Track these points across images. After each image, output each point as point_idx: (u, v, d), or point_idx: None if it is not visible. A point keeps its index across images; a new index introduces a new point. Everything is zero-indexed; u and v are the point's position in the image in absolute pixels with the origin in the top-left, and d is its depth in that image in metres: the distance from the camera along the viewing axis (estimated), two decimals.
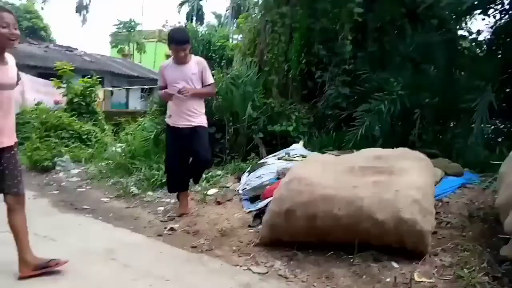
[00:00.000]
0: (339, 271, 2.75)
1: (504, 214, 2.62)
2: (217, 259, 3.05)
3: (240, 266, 2.93)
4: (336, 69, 6.08)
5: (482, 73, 4.76)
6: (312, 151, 5.16)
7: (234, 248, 3.25)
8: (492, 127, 5.85)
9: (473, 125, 4.45)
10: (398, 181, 2.91)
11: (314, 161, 3.54)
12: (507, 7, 5.31)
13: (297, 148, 5.28)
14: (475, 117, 4.41)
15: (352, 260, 2.83)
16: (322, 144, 5.69)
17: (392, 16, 6.03)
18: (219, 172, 5.34)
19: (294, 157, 4.86)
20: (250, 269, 2.86)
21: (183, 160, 4.01)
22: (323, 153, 4.70)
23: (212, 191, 4.68)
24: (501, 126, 6.10)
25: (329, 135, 5.89)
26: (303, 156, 4.71)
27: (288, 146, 5.52)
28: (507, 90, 5.59)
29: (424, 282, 2.56)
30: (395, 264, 2.74)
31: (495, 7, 5.35)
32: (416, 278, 2.59)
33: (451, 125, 5.34)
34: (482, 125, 4.46)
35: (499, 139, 5.67)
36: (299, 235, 3.06)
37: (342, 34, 5.92)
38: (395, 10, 5.92)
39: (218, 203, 4.32)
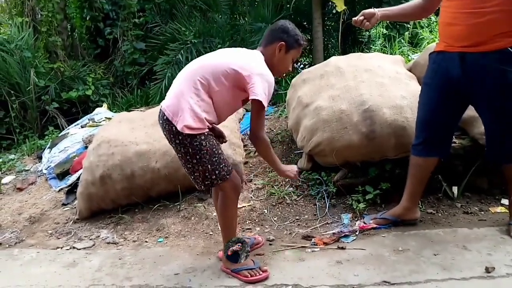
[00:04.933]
0: (168, 221, 2.79)
1: (295, 133, 3.08)
2: (32, 248, 2.70)
3: (61, 247, 2.66)
4: (126, 23, 5.77)
5: (261, 16, 5.24)
6: (120, 112, 4.89)
7: (49, 232, 2.92)
8: None
9: None
10: None
11: (120, 120, 3.37)
12: None
13: (102, 111, 4.90)
14: None
15: (179, 206, 2.91)
16: (129, 104, 5.48)
17: None
18: (12, 156, 4.56)
19: (100, 122, 4.51)
20: (74, 247, 2.63)
21: None
22: (130, 112, 4.51)
23: (7, 178, 3.98)
24: None
25: (134, 93, 5.68)
26: (109, 119, 4.42)
27: (91, 112, 5.08)
28: None
29: (245, 206, 2.85)
30: None
31: None
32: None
33: None
34: None
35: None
36: (121, 198, 2.95)
37: None
38: None
39: (19, 189, 3.74)
